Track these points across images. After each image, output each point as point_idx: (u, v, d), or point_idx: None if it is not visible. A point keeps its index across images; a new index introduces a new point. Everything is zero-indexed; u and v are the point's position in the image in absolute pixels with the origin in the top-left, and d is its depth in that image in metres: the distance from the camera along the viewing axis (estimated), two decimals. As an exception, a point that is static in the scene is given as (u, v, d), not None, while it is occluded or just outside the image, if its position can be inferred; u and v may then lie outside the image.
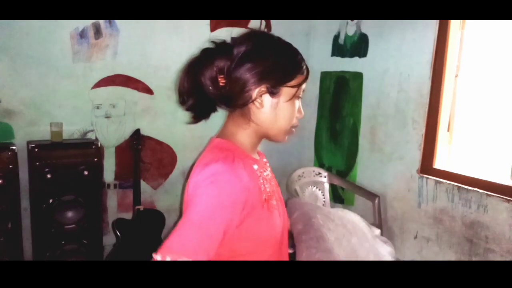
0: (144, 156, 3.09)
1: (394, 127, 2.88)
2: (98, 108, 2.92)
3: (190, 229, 0.86)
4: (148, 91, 3.05)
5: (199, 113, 1.02)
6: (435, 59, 2.58)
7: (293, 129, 1.03)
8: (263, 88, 0.94)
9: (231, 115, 1.02)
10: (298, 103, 1.01)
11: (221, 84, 0.94)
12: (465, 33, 2.53)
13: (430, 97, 2.62)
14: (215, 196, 0.87)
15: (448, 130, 2.64)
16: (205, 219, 0.86)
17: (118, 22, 2.87)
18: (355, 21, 3.13)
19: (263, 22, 3.37)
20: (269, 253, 1.01)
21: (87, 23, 2.80)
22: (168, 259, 0.83)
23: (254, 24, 3.33)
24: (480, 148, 2.58)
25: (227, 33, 3.24)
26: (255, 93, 0.94)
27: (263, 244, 0.99)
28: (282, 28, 3.38)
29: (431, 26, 2.57)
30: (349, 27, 3.19)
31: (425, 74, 2.63)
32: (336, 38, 3.31)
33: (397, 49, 2.82)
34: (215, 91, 0.94)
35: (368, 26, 3.03)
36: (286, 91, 0.96)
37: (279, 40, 1.00)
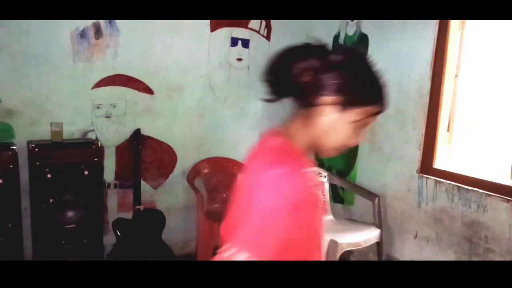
0: (144, 156, 3.09)
1: (394, 127, 2.88)
2: (98, 108, 2.92)
3: (254, 225, 0.93)
4: (148, 91, 3.06)
5: (277, 91, 1.04)
6: (435, 59, 2.58)
7: (344, 148, 1.05)
8: (336, 99, 0.97)
9: (298, 113, 1.04)
10: (362, 130, 1.03)
11: (305, 78, 0.97)
12: (465, 33, 2.53)
13: (430, 97, 2.62)
14: (277, 198, 0.93)
15: (448, 130, 2.65)
16: (268, 219, 0.93)
17: (118, 22, 2.87)
18: (355, 21, 3.13)
19: (263, 22, 3.36)
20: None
21: (88, 23, 2.80)
22: (233, 250, 0.89)
23: (254, 24, 3.33)
24: (480, 148, 2.58)
25: (227, 33, 3.24)
26: (328, 100, 0.97)
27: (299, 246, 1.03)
28: (282, 28, 3.38)
29: (431, 26, 2.57)
30: (349, 27, 3.19)
31: (425, 74, 2.63)
32: (336, 38, 3.31)
33: (397, 49, 2.82)
34: (298, 81, 0.98)
35: (368, 26, 3.03)
36: (355, 113, 0.98)
37: (373, 67, 1.02)
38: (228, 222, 1.08)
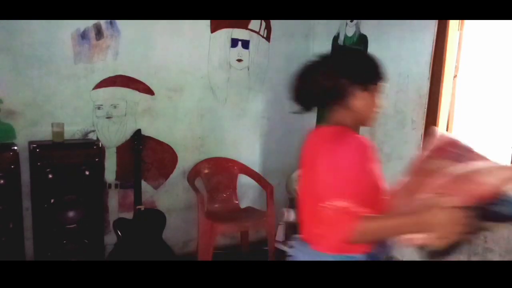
0: (145, 156, 3.10)
1: (393, 127, 2.89)
2: (99, 108, 2.93)
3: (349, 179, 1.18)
4: (149, 91, 3.06)
5: (310, 107, 1.35)
6: (434, 59, 2.58)
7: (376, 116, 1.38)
8: (360, 86, 1.28)
9: (335, 109, 1.32)
10: (379, 97, 1.35)
11: (329, 85, 1.28)
12: (464, 33, 2.54)
13: (429, 98, 2.63)
14: (353, 149, 1.22)
15: (446, 130, 2.65)
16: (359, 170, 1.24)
17: (119, 23, 2.88)
18: (355, 21, 3.14)
19: (263, 23, 3.37)
20: None
21: (89, 24, 2.81)
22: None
23: (254, 24, 3.33)
24: (478, 148, 2.58)
25: (227, 34, 3.25)
26: (353, 88, 1.28)
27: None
28: (282, 28, 3.39)
29: (430, 26, 2.58)
30: (348, 28, 3.19)
31: (424, 74, 2.64)
32: (335, 38, 3.32)
33: (396, 50, 2.83)
34: (326, 90, 1.28)
35: (367, 27, 3.04)
36: (373, 88, 1.31)
37: (366, 53, 1.47)
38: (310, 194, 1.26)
